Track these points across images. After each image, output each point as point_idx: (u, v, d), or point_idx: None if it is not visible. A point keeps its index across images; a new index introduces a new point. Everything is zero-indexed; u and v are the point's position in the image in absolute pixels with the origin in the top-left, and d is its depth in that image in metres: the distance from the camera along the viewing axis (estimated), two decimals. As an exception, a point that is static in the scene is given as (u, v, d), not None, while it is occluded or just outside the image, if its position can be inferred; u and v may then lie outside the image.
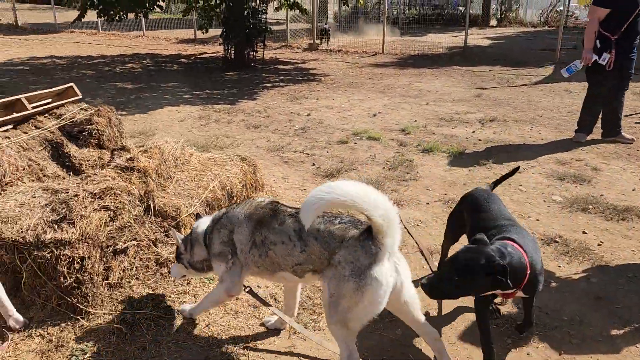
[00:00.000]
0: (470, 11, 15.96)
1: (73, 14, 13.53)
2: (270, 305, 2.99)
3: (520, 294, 2.63)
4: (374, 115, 8.06)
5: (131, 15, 13.00)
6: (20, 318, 3.00)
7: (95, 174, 3.66)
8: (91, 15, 13.67)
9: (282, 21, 17.39)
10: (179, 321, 3.11)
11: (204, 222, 3.03)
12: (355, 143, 6.58)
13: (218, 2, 12.38)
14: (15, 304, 3.16)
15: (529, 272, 2.50)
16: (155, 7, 12.62)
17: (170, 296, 3.33)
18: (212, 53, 15.37)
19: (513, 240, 2.59)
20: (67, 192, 3.38)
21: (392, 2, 23.50)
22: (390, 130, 7.17)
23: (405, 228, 4.19)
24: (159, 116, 8.19)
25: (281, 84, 10.77)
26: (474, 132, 7.06)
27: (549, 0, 22.62)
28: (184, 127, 7.55)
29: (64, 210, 3.24)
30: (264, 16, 12.71)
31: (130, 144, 4.19)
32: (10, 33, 19.27)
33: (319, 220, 2.55)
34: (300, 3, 13.20)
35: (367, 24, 18.70)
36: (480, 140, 6.68)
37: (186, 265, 3.09)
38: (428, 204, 4.75)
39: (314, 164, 5.86)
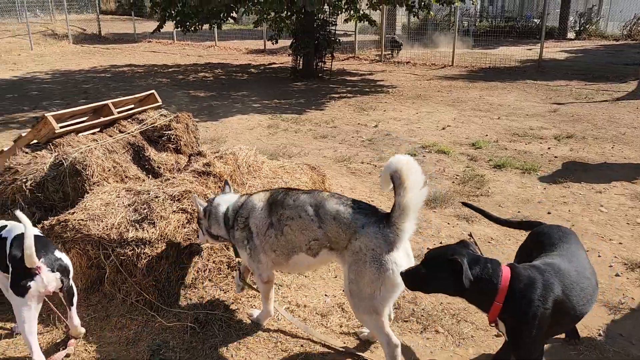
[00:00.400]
0: (546, 23, 15.38)
1: (151, 25, 14.22)
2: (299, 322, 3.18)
3: (501, 325, 2.38)
4: (443, 128, 7.93)
5: (205, 26, 13.50)
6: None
7: (174, 177, 3.82)
8: (167, 26, 14.31)
9: (350, 33, 17.51)
10: (249, 324, 3.17)
11: (225, 202, 3.12)
12: (423, 156, 6.50)
13: (289, 14, 12.63)
14: (97, 297, 3.34)
15: (505, 294, 2.29)
16: (229, 18, 13.05)
17: (240, 299, 3.40)
18: (281, 63, 15.69)
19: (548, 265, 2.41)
20: (149, 194, 3.55)
21: (463, 14, 23.10)
22: (459, 144, 7.03)
23: (476, 244, 4.08)
24: (229, 124, 8.43)
25: (348, 95, 10.82)
26: (549, 148, 6.79)
27: (633, 13, 21.46)
28: (253, 135, 7.73)
29: (145, 211, 3.40)
30: (334, 28, 12.85)
31: (206, 150, 4.33)
32: (95, 42, 20.50)
33: (338, 202, 2.71)
34: (369, 15, 13.25)
35: (436, 36, 18.49)
36: (556, 157, 6.41)
37: (203, 231, 3.22)
38: (500, 221, 4.60)
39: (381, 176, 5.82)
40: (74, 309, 2.94)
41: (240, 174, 4.19)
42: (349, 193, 5.35)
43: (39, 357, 2.68)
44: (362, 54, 16.95)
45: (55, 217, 3.45)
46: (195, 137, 5.05)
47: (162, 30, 13.64)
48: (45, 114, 3.99)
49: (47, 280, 2.67)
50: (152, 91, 5.28)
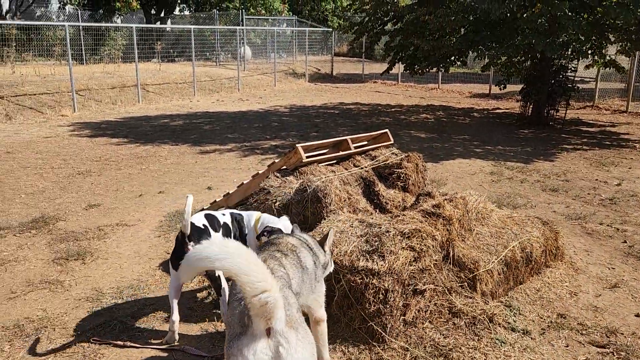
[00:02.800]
0: None
1: (378, 67, 15.01)
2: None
3: None
4: None
5: (433, 69, 13.77)
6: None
7: (403, 214, 3.91)
8: (394, 68, 14.95)
9: (588, 79, 16.06)
10: (468, 378, 3.03)
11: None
12: (681, 225, 5.54)
13: (522, 59, 12.15)
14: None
15: None
16: (459, 62, 13.11)
17: (460, 348, 3.28)
18: (506, 109, 15.12)
19: None
20: (380, 228, 3.69)
21: None
22: None
23: None
24: (449, 167, 8.37)
25: (584, 147, 9.87)
26: None
27: None
28: (475, 180, 7.53)
29: (376, 243, 3.53)
30: (572, 74, 11.94)
31: (434, 191, 4.34)
32: (327, 81, 22.51)
33: None
34: (616, 61, 12.00)
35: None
36: None
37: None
38: None
39: (625, 242, 5.13)
40: (221, 299, 3.34)
41: (468, 220, 4.10)
42: (584, 255, 4.82)
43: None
44: (602, 103, 15.38)
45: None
46: (423, 177, 5.13)
47: (389, 72, 14.32)
48: (296, 145, 4.48)
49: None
50: (386, 130, 5.55)
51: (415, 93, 19.37)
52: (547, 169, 8.15)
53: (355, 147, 5.13)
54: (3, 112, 11.95)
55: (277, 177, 4.48)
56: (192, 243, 3.26)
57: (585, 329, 3.58)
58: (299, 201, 4.17)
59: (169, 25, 25.23)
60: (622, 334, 3.53)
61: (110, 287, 4.11)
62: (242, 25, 22.36)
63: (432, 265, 3.60)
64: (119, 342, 3.33)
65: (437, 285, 3.58)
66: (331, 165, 4.98)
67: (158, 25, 23.90)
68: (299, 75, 22.55)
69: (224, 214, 3.71)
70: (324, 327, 2.92)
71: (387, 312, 3.32)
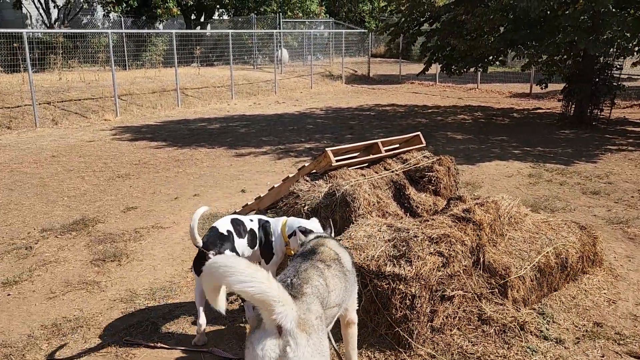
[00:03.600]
0: None
1: (415, 67, 14.84)
2: None
3: None
4: None
5: (471, 69, 13.53)
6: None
7: (432, 219, 3.86)
8: (431, 69, 14.76)
9: (636, 77, 15.44)
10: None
11: None
12: None
13: (564, 57, 11.80)
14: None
15: None
16: (497, 62, 12.84)
17: (489, 356, 3.21)
18: (547, 109, 14.70)
19: None
20: (408, 232, 3.65)
21: None
22: None
23: None
24: (485, 169, 8.21)
25: (630, 147, 9.49)
26: None
27: None
28: (511, 183, 7.36)
29: (404, 248, 3.50)
30: (618, 72, 11.50)
31: (466, 195, 4.27)
32: (363, 83, 22.43)
33: None
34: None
35: None
36: None
37: None
38: None
39: (670, 248, 4.91)
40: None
41: (500, 224, 4.01)
42: (625, 262, 4.64)
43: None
44: (650, 102, 14.78)
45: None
46: (455, 181, 5.05)
47: (426, 72, 14.16)
48: (326, 149, 4.48)
49: None
50: (418, 133, 5.48)
51: (453, 93, 19.07)
52: (588, 170, 7.88)
53: (387, 150, 5.10)
54: (50, 117, 12.45)
55: (307, 181, 4.50)
56: (212, 252, 3.28)
57: (623, 339, 3.44)
58: (328, 205, 4.18)
59: (207, 30, 25.71)
60: (663, 345, 3.38)
61: (143, 289, 4.22)
62: (279, 29, 22.53)
63: (461, 271, 3.54)
64: (150, 343, 3.41)
65: (466, 292, 3.51)
66: (362, 168, 4.96)
67: (198, 30, 24.39)
68: (335, 77, 22.57)
69: (251, 220, 3.70)
70: (354, 330, 2.92)
71: (414, 318, 3.28)
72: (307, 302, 2.08)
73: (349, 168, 4.71)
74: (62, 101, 13.46)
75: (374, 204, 4.22)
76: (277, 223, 3.71)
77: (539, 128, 11.84)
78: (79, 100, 13.78)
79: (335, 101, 17.04)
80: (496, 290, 3.63)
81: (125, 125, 12.41)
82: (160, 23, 25.48)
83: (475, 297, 3.54)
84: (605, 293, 4.06)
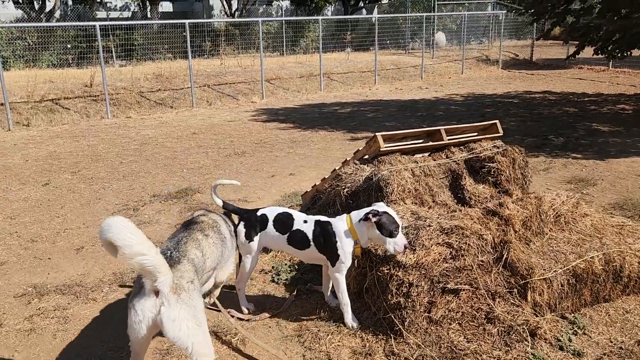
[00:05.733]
0: None
1: (587, 51, 13.28)
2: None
3: None
4: None
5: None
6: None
7: (460, 211, 3.73)
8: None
9: None
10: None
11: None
12: None
13: None
14: (359, 304, 3.63)
15: None
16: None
17: (480, 355, 3.07)
18: None
19: None
20: (425, 221, 3.60)
21: None
22: None
23: None
24: (615, 165, 7.29)
25: None
26: None
27: None
28: (637, 183, 6.46)
29: (412, 236, 3.47)
30: None
31: (515, 189, 3.99)
32: (522, 68, 20.87)
33: None
34: None
35: None
36: None
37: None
38: None
39: None
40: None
41: (539, 221, 3.70)
42: None
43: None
44: None
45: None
46: (523, 174, 4.69)
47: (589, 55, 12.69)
48: (376, 134, 4.53)
49: None
50: (496, 121, 5.18)
51: (627, 80, 16.84)
52: None
53: (451, 139, 4.93)
54: (205, 99, 14.05)
55: (355, 164, 4.61)
56: (242, 222, 3.56)
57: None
58: (366, 189, 4.26)
59: (360, 16, 26.12)
60: None
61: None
62: (434, 12, 22.00)
63: (474, 266, 3.39)
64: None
65: (476, 288, 3.36)
66: (422, 155, 4.89)
67: (348, 16, 24.99)
68: (492, 62, 21.37)
69: (305, 221, 3.47)
70: (217, 291, 3.50)
71: (408, 306, 3.27)
72: (181, 270, 2.55)
73: (402, 155, 4.67)
74: (219, 84, 15.06)
75: (410, 192, 4.17)
76: (337, 222, 3.42)
77: None
78: (233, 83, 15.28)
79: (482, 87, 16.24)
80: (515, 290, 3.40)
81: (267, 107, 13.45)
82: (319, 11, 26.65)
83: (488, 295, 3.37)
84: (668, 312, 3.52)
